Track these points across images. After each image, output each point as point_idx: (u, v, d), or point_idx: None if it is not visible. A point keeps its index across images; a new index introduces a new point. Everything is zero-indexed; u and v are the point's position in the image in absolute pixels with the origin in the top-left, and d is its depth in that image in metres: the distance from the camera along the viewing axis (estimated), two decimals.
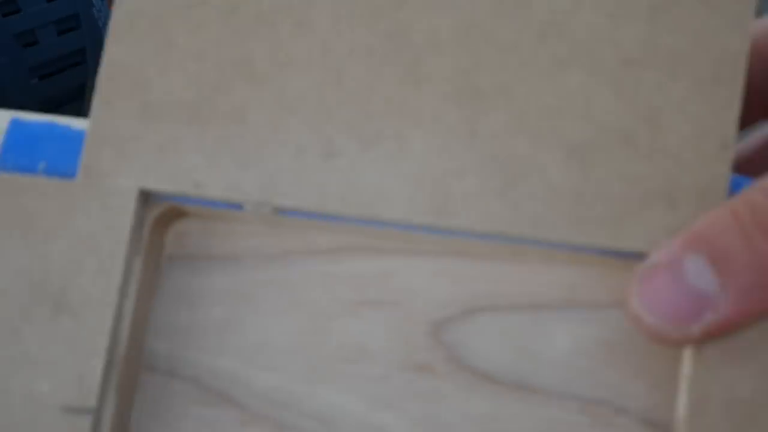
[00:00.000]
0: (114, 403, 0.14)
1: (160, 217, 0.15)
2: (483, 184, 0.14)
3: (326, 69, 0.14)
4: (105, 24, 0.45)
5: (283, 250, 0.15)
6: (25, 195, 0.14)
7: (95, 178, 0.14)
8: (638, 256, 0.13)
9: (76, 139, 0.15)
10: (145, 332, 0.15)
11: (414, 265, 0.15)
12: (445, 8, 0.14)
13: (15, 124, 0.15)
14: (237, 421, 0.15)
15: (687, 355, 0.13)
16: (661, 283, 0.13)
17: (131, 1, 0.15)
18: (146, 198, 0.14)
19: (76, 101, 0.46)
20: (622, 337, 0.14)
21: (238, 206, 0.14)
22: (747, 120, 0.15)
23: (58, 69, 0.44)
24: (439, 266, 0.15)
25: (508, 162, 0.14)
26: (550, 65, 0.14)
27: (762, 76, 0.18)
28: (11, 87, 0.42)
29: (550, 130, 0.14)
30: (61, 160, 0.15)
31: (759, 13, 0.15)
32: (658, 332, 0.13)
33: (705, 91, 0.14)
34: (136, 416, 0.15)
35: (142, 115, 0.14)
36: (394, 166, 0.14)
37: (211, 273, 0.15)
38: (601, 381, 0.14)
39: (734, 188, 0.14)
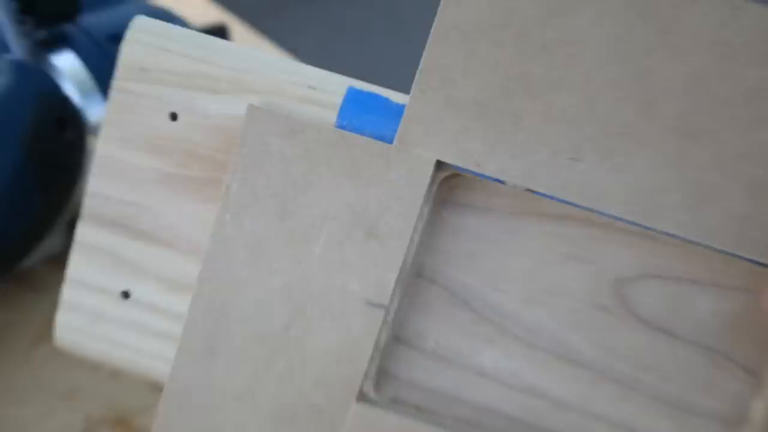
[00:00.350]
0: (398, 301, 0.21)
1: (447, 180, 0.21)
2: (682, 201, 0.19)
3: (584, 93, 0.20)
4: None
5: (523, 210, 0.21)
6: (358, 150, 0.20)
7: (406, 146, 0.20)
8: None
9: (396, 111, 0.20)
10: (424, 255, 0.22)
11: (612, 238, 0.21)
12: (681, 61, 0.19)
13: (351, 92, 0.21)
14: (470, 321, 0.22)
15: None
16: None
17: (450, 15, 0.20)
18: (439, 167, 0.20)
19: None
20: (746, 313, 0.21)
21: (501, 181, 0.20)
22: None
23: None
24: (630, 241, 0.21)
25: (703, 187, 0.19)
26: (752, 121, 0.19)
27: None
28: None
29: (741, 169, 0.19)
30: (383, 126, 0.21)
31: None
32: None
33: None
34: (405, 308, 0.22)
35: (446, 105, 0.20)
36: (621, 176, 0.20)
37: (471, 217, 0.22)
38: (723, 338, 0.21)
39: None
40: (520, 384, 0.22)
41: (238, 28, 0.63)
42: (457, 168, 0.20)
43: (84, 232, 0.24)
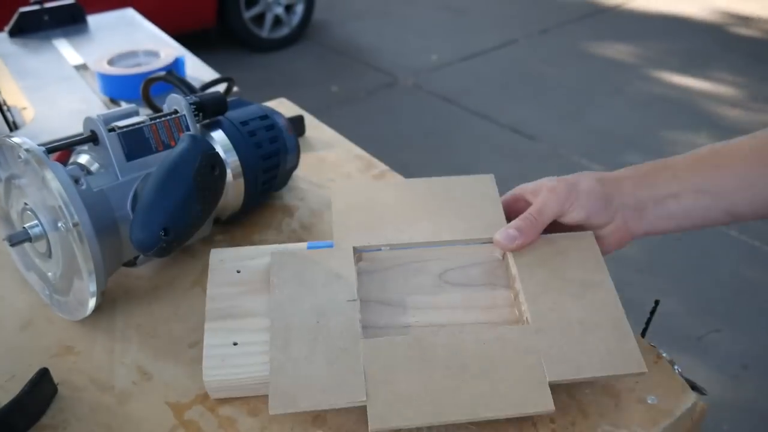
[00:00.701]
0: (360, 300, 0.49)
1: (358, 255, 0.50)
2: (448, 229, 0.45)
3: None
4: None
5: (393, 261, 0.52)
6: (321, 252, 0.51)
7: (339, 245, 0.49)
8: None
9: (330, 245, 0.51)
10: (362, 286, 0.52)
11: (433, 254, 0.51)
12: None
13: (309, 245, 0.48)
14: (391, 308, 0.50)
15: None
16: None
17: (340, 199, 0.49)
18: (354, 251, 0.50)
19: None
20: (493, 263, 0.45)
21: (380, 249, 0.49)
22: None
23: None
24: (438, 254, 0.50)
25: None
26: None
27: None
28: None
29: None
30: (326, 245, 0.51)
31: None
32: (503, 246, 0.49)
33: None
34: (366, 303, 0.49)
35: (356, 227, 0.52)
36: (427, 226, 0.46)
37: (376, 269, 0.51)
38: (489, 278, 0.45)
39: None
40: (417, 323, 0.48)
41: (309, 118, 0.92)
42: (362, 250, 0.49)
43: (209, 326, 0.51)
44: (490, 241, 0.54)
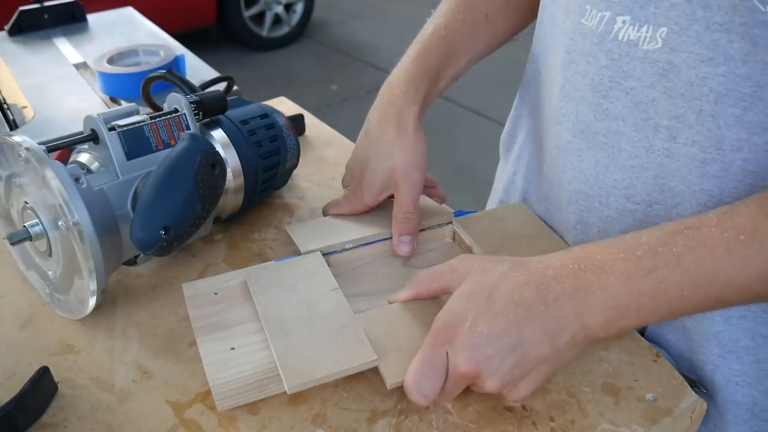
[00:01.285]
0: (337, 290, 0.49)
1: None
2: None
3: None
4: None
5: (358, 259, 0.53)
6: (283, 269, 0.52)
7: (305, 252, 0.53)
8: None
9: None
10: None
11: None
12: None
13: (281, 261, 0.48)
14: (361, 297, 0.48)
15: None
16: None
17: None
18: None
19: None
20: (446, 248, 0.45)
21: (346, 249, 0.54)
22: None
23: None
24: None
25: None
26: None
27: None
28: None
29: None
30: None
31: None
32: None
33: None
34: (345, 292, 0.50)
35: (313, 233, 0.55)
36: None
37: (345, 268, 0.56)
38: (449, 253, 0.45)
39: None
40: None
41: (309, 116, 0.92)
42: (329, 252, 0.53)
43: (201, 340, 0.50)
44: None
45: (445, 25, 0.65)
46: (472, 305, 0.44)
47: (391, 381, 0.46)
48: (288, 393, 0.46)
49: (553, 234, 0.62)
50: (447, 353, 0.44)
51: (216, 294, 0.54)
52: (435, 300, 0.52)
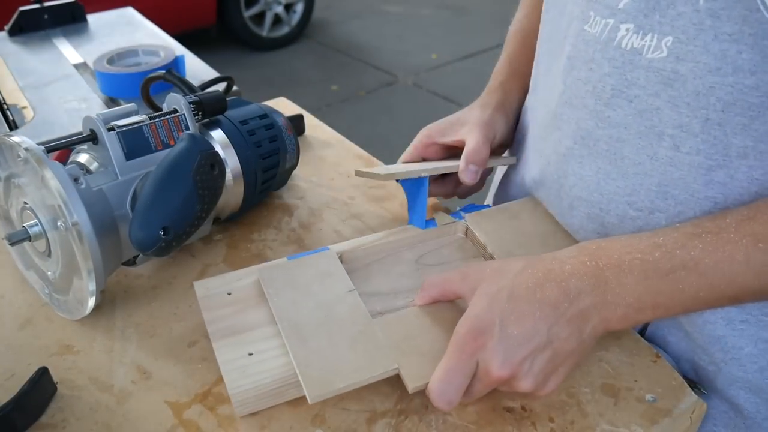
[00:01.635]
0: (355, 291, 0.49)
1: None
2: None
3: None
4: None
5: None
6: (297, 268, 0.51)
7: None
8: None
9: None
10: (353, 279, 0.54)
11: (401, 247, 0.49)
12: None
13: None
14: (377, 297, 0.49)
15: None
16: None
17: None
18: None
19: None
20: (461, 241, 0.45)
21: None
22: None
23: None
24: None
25: None
26: None
27: None
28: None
29: None
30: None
31: None
32: None
33: None
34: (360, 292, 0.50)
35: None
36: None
37: (359, 266, 0.50)
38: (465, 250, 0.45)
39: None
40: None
41: (308, 117, 0.92)
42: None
43: (218, 345, 0.50)
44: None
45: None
46: (495, 308, 0.44)
47: (412, 385, 0.46)
48: (309, 403, 0.45)
49: (566, 232, 0.61)
50: (477, 361, 0.44)
51: (229, 294, 0.54)
52: (452, 303, 0.52)
